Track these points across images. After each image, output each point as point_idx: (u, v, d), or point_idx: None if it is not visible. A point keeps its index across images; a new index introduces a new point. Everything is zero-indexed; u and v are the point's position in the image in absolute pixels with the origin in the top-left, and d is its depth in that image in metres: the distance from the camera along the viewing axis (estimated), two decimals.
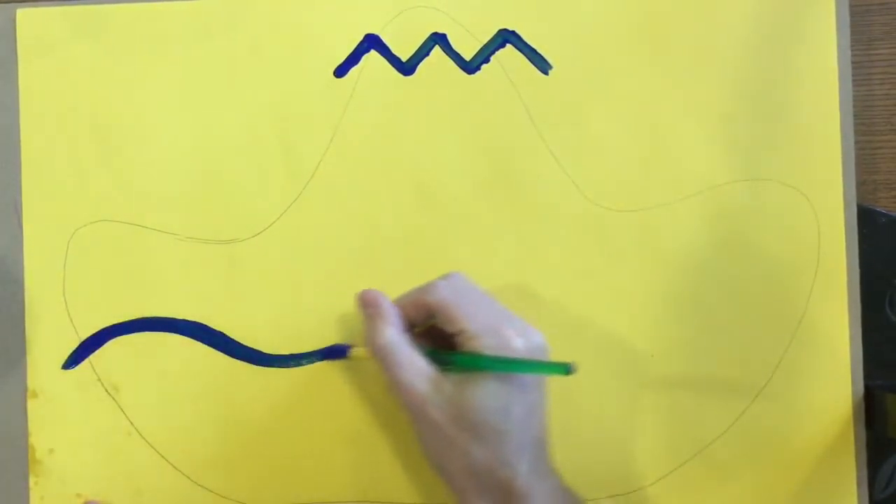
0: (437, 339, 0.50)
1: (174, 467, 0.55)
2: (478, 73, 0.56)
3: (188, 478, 0.55)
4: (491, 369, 0.46)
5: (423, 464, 0.54)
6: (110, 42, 0.56)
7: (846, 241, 0.55)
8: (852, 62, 0.55)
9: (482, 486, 0.46)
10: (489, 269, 0.55)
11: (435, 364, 0.48)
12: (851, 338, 0.55)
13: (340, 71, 0.56)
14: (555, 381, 0.55)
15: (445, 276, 0.50)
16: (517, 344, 0.47)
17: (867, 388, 0.55)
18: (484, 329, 0.47)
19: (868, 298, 0.55)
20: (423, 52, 0.56)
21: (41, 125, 0.56)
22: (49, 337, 0.56)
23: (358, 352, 0.53)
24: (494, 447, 0.46)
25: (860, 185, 0.56)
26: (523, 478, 0.46)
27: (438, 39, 0.56)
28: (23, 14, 0.57)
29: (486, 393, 0.46)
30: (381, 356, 0.49)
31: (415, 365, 0.48)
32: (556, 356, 0.54)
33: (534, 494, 0.46)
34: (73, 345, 0.56)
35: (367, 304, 0.50)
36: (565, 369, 0.45)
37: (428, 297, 0.49)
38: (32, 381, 0.56)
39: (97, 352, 0.56)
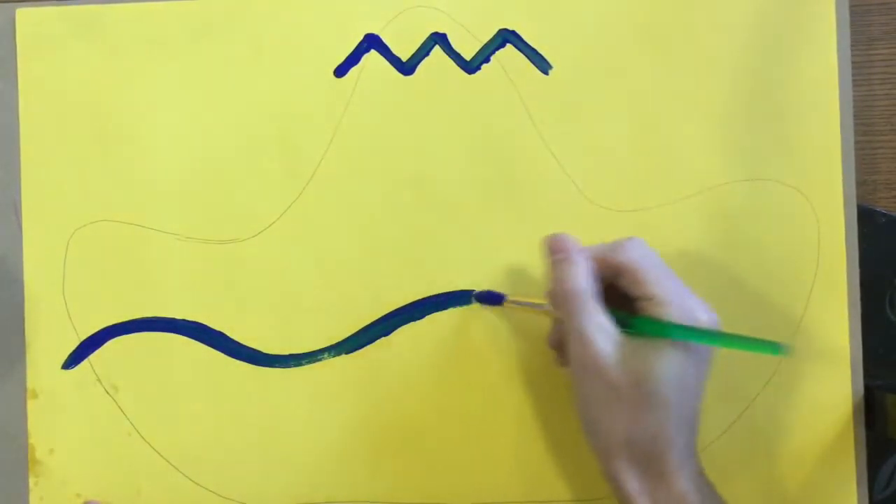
0: (613, 300, 0.48)
1: (174, 467, 0.55)
2: (478, 73, 0.56)
3: (188, 478, 0.55)
4: (684, 338, 0.45)
5: (422, 464, 0.54)
6: (110, 42, 0.56)
7: (846, 241, 0.55)
8: (852, 62, 0.55)
9: (635, 454, 0.46)
10: (489, 268, 0.55)
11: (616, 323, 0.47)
12: (851, 338, 0.55)
13: (340, 71, 0.56)
14: (556, 383, 0.55)
15: (629, 238, 0.48)
16: (702, 317, 0.46)
17: (867, 388, 0.55)
18: (672, 298, 0.46)
19: (868, 298, 0.55)
20: (423, 52, 0.56)
21: (41, 125, 0.56)
22: (49, 337, 0.56)
23: (515, 299, 0.53)
24: (662, 418, 0.45)
25: (860, 185, 0.56)
26: (678, 453, 0.45)
27: (438, 39, 0.56)
28: (22, 14, 0.57)
29: (668, 363, 0.45)
30: (569, 301, 0.47)
31: (600, 319, 0.46)
32: (554, 355, 0.55)
33: (681, 472, 0.45)
34: (73, 345, 0.56)
35: (558, 249, 0.49)
36: (776, 349, 0.44)
37: (619, 255, 0.47)
38: (32, 381, 0.56)
39: (97, 352, 0.56)
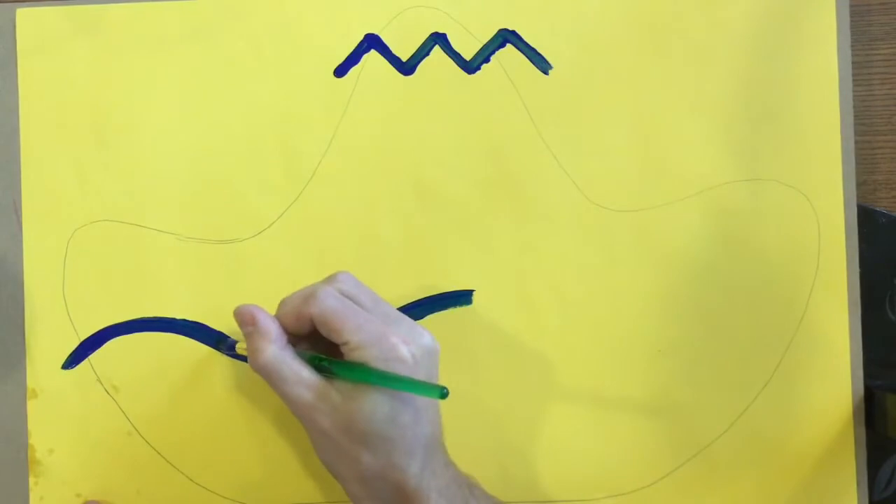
0: (324, 344, 0.48)
1: (174, 467, 0.55)
2: (478, 72, 0.56)
3: (188, 478, 0.55)
4: (373, 382, 0.45)
5: None
6: (110, 41, 0.56)
7: (846, 241, 0.55)
8: (852, 62, 0.55)
9: (376, 490, 0.47)
10: (489, 269, 0.55)
11: (321, 372, 0.47)
12: (851, 338, 0.55)
13: (340, 71, 0.56)
14: (556, 384, 0.55)
15: (330, 280, 0.49)
16: (403, 352, 0.46)
17: (867, 388, 0.55)
18: (368, 339, 0.46)
19: (868, 298, 0.55)
20: (423, 52, 0.56)
21: (41, 125, 0.56)
22: (49, 337, 0.56)
23: (235, 353, 0.53)
24: (384, 453, 0.46)
25: (860, 185, 0.56)
26: (415, 479, 0.46)
27: (438, 39, 0.56)
28: (22, 14, 0.57)
29: (373, 403, 0.45)
30: (265, 374, 0.48)
31: (300, 377, 0.47)
32: (554, 355, 0.55)
33: (427, 494, 0.46)
34: (73, 345, 0.56)
35: (245, 322, 0.49)
36: (439, 392, 0.44)
37: (310, 308, 0.47)
38: (32, 381, 0.56)
39: (97, 352, 0.56)
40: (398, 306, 0.55)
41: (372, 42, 0.56)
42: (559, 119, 0.55)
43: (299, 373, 0.47)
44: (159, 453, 0.55)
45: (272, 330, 0.48)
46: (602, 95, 0.55)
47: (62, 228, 0.56)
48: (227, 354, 0.55)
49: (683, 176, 0.55)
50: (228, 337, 0.55)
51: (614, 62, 0.56)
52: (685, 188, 0.55)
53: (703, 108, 0.55)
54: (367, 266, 0.55)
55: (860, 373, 0.55)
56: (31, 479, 0.56)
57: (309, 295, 0.48)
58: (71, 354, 0.56)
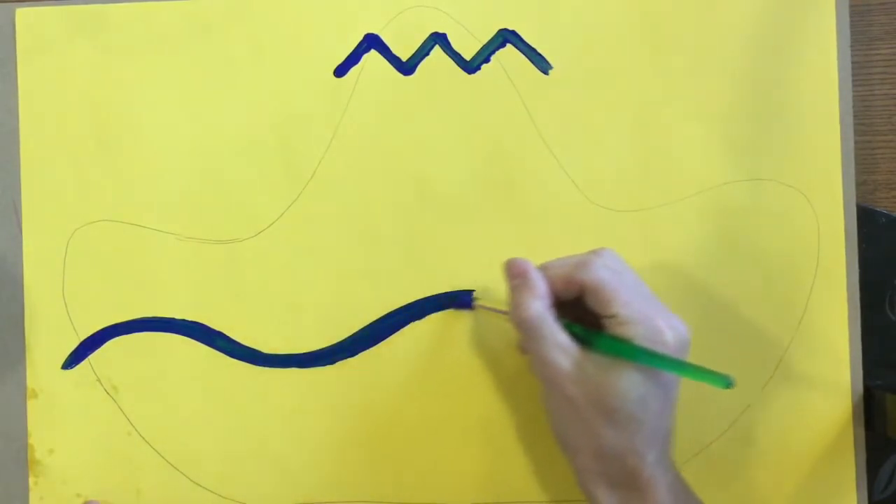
0: (580, 313, 0.48)
1: (174, 467, 0.55)
2: (478, 72, 0.56)
3: (188, 478, 0.55)
4: (641, 362, 0.45)
5: (421, 464, 0.54)
6: (110, 41, 0.56)
7: (846, 241, 0.55)
8: (852, 62, 0.55)
9: (607, 469, 0.46)
10: (489, 269, 0.55)
11: (577, 341, 0.47)
12: (851, 338, 0.55)
13: (340, 71, 0.56)
14: None
15: (598, 253, 0.48)
16: (668, 337, 0.45)
17: (867, 388, 0.55)
18: (637, 317, 0.45)
19: (868, 298, 0.55)
20: (423, 52, 0.56)
21: (41, 125, 0.56)
22: (49, 337, 0.56)
23: (482, 304, 0.53)
24: (628, 434, 0.45)
25: (860, 185, 0.56)
26: (650, 468, 0.45)
27: (438, 39, 0.56)
28: (22, 13, 0.57)
29: (630, 381, 0.45)
30: (525, 328, 0.47)
31: (559, 341, 0.47)
32: None
33: (656, 485, 0.46)
34: (73, 345, 0.56)
35: (515, 275, 0.49)
36: (726, 382, 0.43)
37: (583, 274, 0.47)
38: (32, 381, 0.56)
39: (97, 352, 0.56)
40: (398, 306, 0.55)
41: (372, 42, 0.56)
42: (559, 119, 0.55)
43: (558, 336, 0.47)
44: (159, 453, 0.55)
45: (541, 287, 0.48)
46: (602, 95, 0.55)
47: (62, 228, 0.56)
48: (457, 307, 0.55)
49: (683, 176, 0.55)
50: (463, 291, 0.55)
51: (614, 62, 0.55)
52: (685, 188, 0.55)
53: (703, 108, 0.55)
54: (366, 266, 0.55)
55: (860, 373, 0.55)
56: (31, 479, 0.56)
57: (581, 263, 0.48)
58: (71, 354, 0.56)
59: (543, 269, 0.49)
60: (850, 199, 0.55)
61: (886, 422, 0.54)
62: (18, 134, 0.56)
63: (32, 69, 0.57)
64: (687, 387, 0.51)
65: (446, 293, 0.55)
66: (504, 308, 0.51)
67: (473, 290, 0.55)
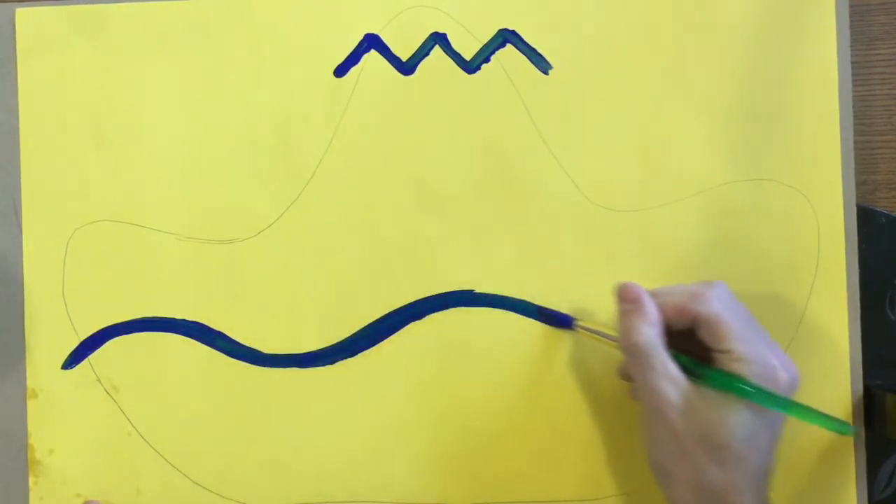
0: (686, 344, 0.47)
1: (174, 467, 0.55)
2: (478, 72, 0.56)
3: (188, 478, 0.55)
4: (755, 400, 0.45)
5: (421, 463, 0.54)
6: (110, 41, 0.56)
7: (846, 241, 0.55)
8: (852, 62, 0.55)
9: (702, 502, 0.45)
10: (489, 269, 0.55)
11: (685, 372, 0.46)
12: (851, 338, 0.55)
13: (340, 71, 0.56)
14: (557, 383, 0.55)
15: (712, 285, 0.48)
16: (781, 377, 0.45)
17: (867, 388, 0.55)
18: (751, 355, 0.45)
19: (868, 298, 0.55)
20: (423, 52, 0.56)
21: (41, 125, 0.56)
22: (49, 337, 0.56)
23: (584, 326, 0.53)
24: (731, 472, 0.45)
25: (860, 185, 0.56)
26: None
27: (438, 39, 0.56)
28: (22, 14, 0.57)
29: (739, 419, 0.44)
30: (635, 354, 0.47)
31: (668, 371, 0.46)
32: (554, 355, 0.55)
33: None
34: (73, 345, 0.56)
35: (628, 300, 0.48)
36: (846, 429, 0.43)
37: (699, 306, 0.46)
38: (32, 381, 0.56)
39: (97, 352, 0.56)
40: (398, 306, 0.55)
41: (372, 42, 0.56)
42: (559, 119, 0.55)
43: (667, 366, 0.46)
44: (159, 453, 0.55)
45: (654, 314, 0.47)
46: (602, 95, 0.55)
47: (62, 228, 0.56)
48: (557, 327, 0.55)
49: (683, 176, 0.55)
50: (566, 315, 0.54)
51: (614, 62, 0.55)
52: (685, 188, 0.55)
53: (702, 108, 0.55)
54: (366, 266, 0.55)
55: (860, 373, 0.55)
56: (31, 479, 0.56)
57: (697, 294, 0.47)
58: (71, 354, 0.56)
59: (654, 295, 0.48)
60: (850, 199, 0.55)
61: (886, 422, 0.54)
62: (18, 134, 0.56)
63: (32, 69, 0.57)
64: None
65: (446, 293, 0.55)
66: (604, 330, 0.51)
67: (473, 290, 0.55)
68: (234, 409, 0.55)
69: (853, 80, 0.55)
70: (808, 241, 0.55)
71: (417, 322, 0.55)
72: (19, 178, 0.56)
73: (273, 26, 0.56)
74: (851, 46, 0.55)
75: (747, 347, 0.45)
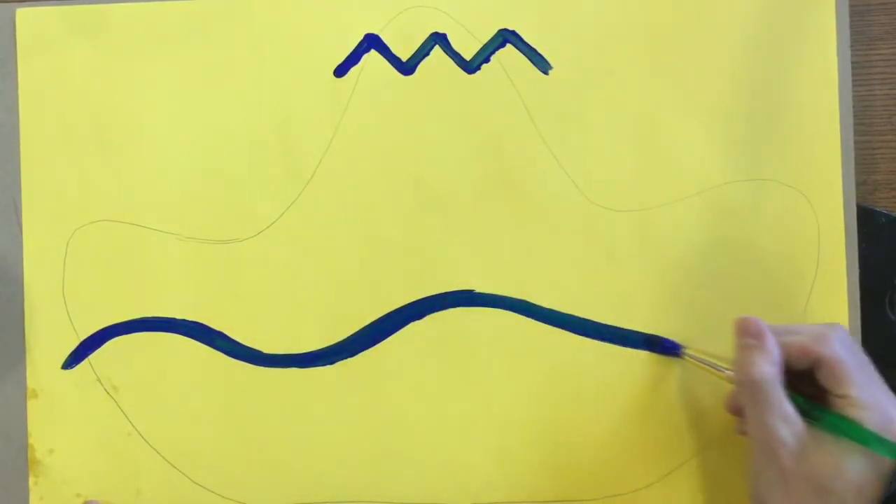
0: (800, 384, 0.47)
1: (174, 467, 0.55)
2: (478, 72, 0.56)
3: (188, 478, 0.55)
4: (870, 447, 0.44)
5: (421, 464, 0.54)
6: (110, 41, 0.56)
7: (846, 241, 0.55)
8: (852, 62, 0.55)
9: None
10: (488, 269, 0.55)
11: (801, 413, 0.46)
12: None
13: (340, 71, 0.56)
14: (555, 383, 0.55)
15: (834, 328, 0.48)
16: None
17: None
18: (869, 402, 0.45)
19: (868, 298, 0.55)
20: (423, 52, 0.56)
21: (41, 125, 0.56)
22: (49, 337, 0.56)
23: (692, 355, 0.53)
24: None
25: (860, 185, 0.56)
26: None
27: (438, 39, 0.56)
28: (22, 14, 0.57)
29: (852, 468, 0.44)
30: (752, 390, 0.47)
31: (784, 410, 0.46)
32: (553, 355, 0.55)
33: None
34: (73, 345, 0.56)
35: (749, 334, 0.48)
36: None
37: (822, 349, 0.46)
38: (32, 381, 0.56)
39: (97, 352, 0.56)
40: (398, 306, 0.55)
41: (372, 42, 0.56)
42: (559, 119, 0.55)
43: (784, 405, 0.46)
44: (159, 453, 0.55)
45: (776, 353, 0.47)
46: (602, 95, 0.55)
47: (62, 228, 0.56)
48: (662, 354, 0.55)
49: (683, 176, 0.55)
50: (673, 342, 0.54)
51: (614, 62, 0.55)
52: (685, 188, 0.55)
53: (702, 108, 0.55)
54: (366, 266, 0.55)
55: None
56: (31, 479, 0.56)
57: (820, 336, 0.47)
58: (71, 354, 0.56)
59: (776, 332, 0.48)
60: (849, 199, 0.55)
61: None
62: (18, 133, 0.56)
63: (32, 69, 0.57)
64: (689, 383, 0.51)
65: (446, 293, 0.55)
66: (714, 360, 0.51)
67: (473, 290, 0.55)
68: (234, 409, 0.55)
69: (853, 80, 0.55)
70: (809, 241, 0.55)
71: (417, 322, 0.55)
72: (19, 178, 0.56)
73: (273, 26, 0.56)
74: (851, 46, 0.55)
75: (866, 395, 0.45)
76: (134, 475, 0.55)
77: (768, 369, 0.47)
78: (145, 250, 0.56)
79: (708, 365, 0.52)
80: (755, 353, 0.47)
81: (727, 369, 0.50)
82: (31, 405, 0.56)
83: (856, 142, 0.55)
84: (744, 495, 0.54)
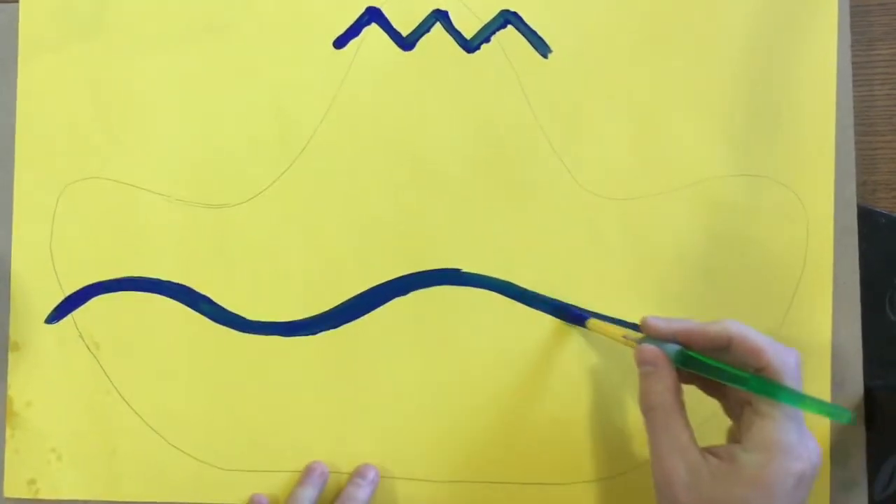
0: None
1: (151, 428, 0.55)
2: (477, 52, 0.56)
3: (164, 439, 0.55)
4: (789, 402, 0.43)
5: (399, 437, 0.54)
6: (110, 11, 0.57)
7: (838, 240, 0.54)
8: (853, 63, 0.55)
9: None
10: (477, 248, 0.55)
11: (723, 381, 0.45)
12: (851, 338, 0.54)
13: (340, 42, 0.56)
14: (541, 366, 0.54)
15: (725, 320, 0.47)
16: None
17: (867, 388, 0.54)
18: (787, 369, 0.44)
19: (868, 298, 0.54)
20: (423, 28, 0.56)
21: (37, 78, 0.57)
22: (34, 291, 0.56)
23: (595, 325, 0.52)
24: None
25: (860, 185, 0.56)
26: None
27: (440, 16, 0.56)
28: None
29: (742, 496, 0.43)
30: (649, 416, 0.46)
31: (679, 439, 0.45)
32: (539, 337, 0.54)
33: None
34: (58, 300, 0.56)
35: (647, 362, 0.47)
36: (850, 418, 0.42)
37: (729, 326, 0.45)
38: (15, 334, 0.56)
39: (81, 308, 0.56)
40: (385, 280, 0.55)
41: (373, 15, 0.56)
42: (555, 103, 0.56)
43: (681, 434, 0.45)
44: (137, 413, 0.55)
45: (671, 377, 0.47)
46: (600, 82, 0.56)
47: (53, 183, 0.56)
48: (569, 322, 0.55)
49: (676, 167, 0.55)
50: (582, 311, 0.54)
51: (614, 50, 0.56)
52: (677, 179, 0.55)
53: (700, 102, 0.55)
54: (355, 238, 0.55)
55: (860, 373, 0.54)
56: (8, 431, 0.55)
57: (714, 322, 0.46)
58: (55, 309, 0.56)
59: (685, 326, 0.48)
60: (850, 199, 0.55)
61: (886, 422, 0.53)
62: (15, 98, 0.57)
63: (32, 31, 0.57)
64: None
65: (432, 270, 0.55)
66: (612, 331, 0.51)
67: (460, 269, 0.55)
68: (215, 374, 0.55)
69: (854, 81, 0.55)
70: (797, 239, 0.55)
71: (402, 297, 0.55)
72: (14, 180, 0.56)
73: None
74: (852, 47, 0.55)
75: (780, 361, 0.44)
76: (110, 434, 0.55)
77: (665, 397, 0.46)
78: (135, 210, 0.56)
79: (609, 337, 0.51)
80: (651, 380, 0.47)
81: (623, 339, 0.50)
82: (13, 357, 0.55)
83: (856, 142, 0.55)
84: None
